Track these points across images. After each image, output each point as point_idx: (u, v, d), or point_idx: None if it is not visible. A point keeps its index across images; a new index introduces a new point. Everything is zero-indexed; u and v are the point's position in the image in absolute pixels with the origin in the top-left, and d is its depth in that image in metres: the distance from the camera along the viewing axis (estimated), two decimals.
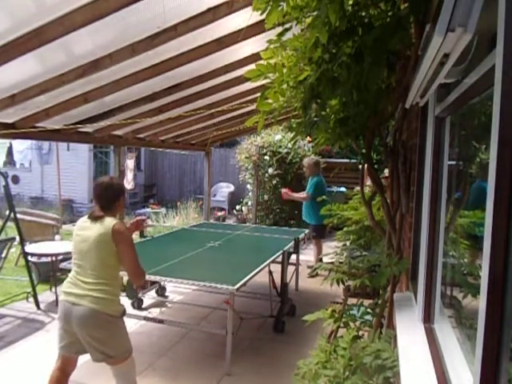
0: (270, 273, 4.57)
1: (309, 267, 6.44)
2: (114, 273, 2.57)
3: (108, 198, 2.62)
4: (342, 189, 9.11)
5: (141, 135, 6.16)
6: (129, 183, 8.74)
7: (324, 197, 5.88)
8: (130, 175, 8.62)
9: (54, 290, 5.09)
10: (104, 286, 2.49)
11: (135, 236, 7.89)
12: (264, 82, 2.17)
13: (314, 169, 6.63)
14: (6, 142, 11.06)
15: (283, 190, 6.87)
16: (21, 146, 12.02)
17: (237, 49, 3.64)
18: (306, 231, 6.11)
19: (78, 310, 2.45)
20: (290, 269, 5.08)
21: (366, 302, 2.64)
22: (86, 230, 2.56)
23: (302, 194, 6.64)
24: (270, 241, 5.62)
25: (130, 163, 8.44)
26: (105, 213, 2.57)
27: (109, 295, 2.50)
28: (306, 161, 6.87)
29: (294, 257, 5.30)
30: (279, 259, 4.57)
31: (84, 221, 2.64)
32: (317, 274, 6.06)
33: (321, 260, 6.38)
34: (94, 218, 2.56)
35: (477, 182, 1.46)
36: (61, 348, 2.61)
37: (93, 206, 2.73)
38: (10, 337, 4.12)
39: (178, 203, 10.30)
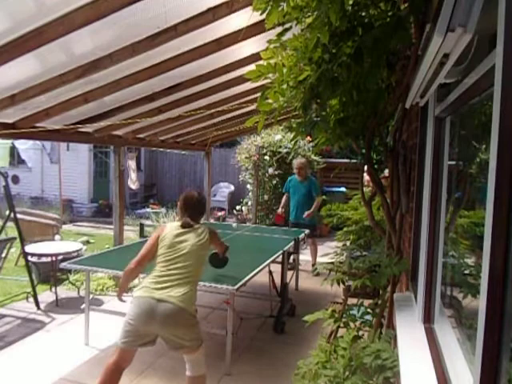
0: (270, 273, 4.57)
1: (313, 265, 6.49)
2: (199, 274, 2.85)
3: (201, 209, 3.04)
4: (342, 189, 9.12)
5: (141, 135, 6.16)
6: (133, 183, 8.73)
7: (324, 197, 5.92)
8: (133, 175, 8.61)
9: (53, 289, 5.09)
10: (191, 284, 2.70)
11: (135, 236, 7.90)
12: (264, 82, 2.17)
13: (308, 169, 6.71)
14: (8, 142, 11.06)
15: (277, 215, 6.84)
16: (23, 146, 12.02)
17: (237, 49, 3.64)
18: (307, 231, 6.10)
19: (165, 306, 2.56)
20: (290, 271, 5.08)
21: (366, 302, 2.64)
22: (183, 234, 2.82)
23: (315, 204, 6.45)
24: (269, 241, 5.61)
25: (132, 163, 8.43)
26: (195, 222, 2.92)
27: (193, 293, 2.71)
28: (300, 162, 6.75)
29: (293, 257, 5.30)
30: (279, 259, 4.57)
31: (176, 225, 2.91)
32: (318, 274, 6.19)
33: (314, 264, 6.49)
34: (188, 226, 2.87)
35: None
36: (124, 343, 2.65)
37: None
38: (10, 337, 4.12)
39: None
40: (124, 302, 3.05)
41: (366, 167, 2.67)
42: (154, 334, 2.67)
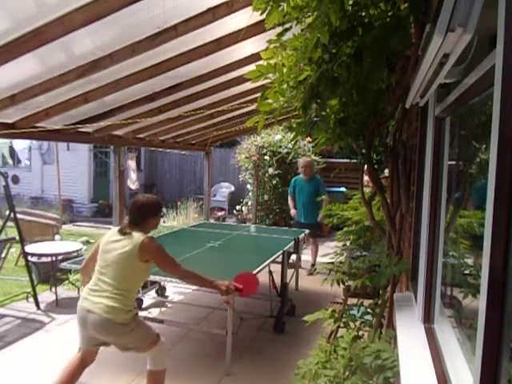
0: (270, 273, 4.57)
1: (312, 265, 6.54)
2: (131, 286, 2.68)
3: (140, 216, 2.74)
4: (342, 189, 9.12)
5: (141, 135, 6.16)
6: (133, 183, 8.74)
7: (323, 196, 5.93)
8: (133, 175, 8.62)
9: (53, 290, 5.09)
10: (118, 296, 2.58)
11: None
12: (264, 82, 2.17)
13: (314, 167, 6.69)
14: (7, 141, 11.06)
15: (321, 216, 6.60)
16: (20, 146, 12.02)
17: (237, 49, 3.64)
18: (307, 231, 6.09)
19: (92, 317, 2.54)
20: (290, 269, 5.08)
21: (366, 302, 2.64)
22: (114, 242, 2.67)
23: (325, 201, 6.19)
24: (269, 241, 5.62)
25: (132, 163, 8.44)
26: (133, 229, 2.68)
27: (121, 305, 2.57)
28: (306, 160, 6.72)
29: (293, 257, 5.31)
30: (279, 259, 4.57)
31: (114, 232, 2.75)
32: (313, 273, 6.20)
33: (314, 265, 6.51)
34: (123, 233, 2.68)
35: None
36: (81, 343, 2.72)
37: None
38: (10, 337, 4.12)
39: (178, 203, 10.30)
40: None
41: (365, 167, 2.67)
42: (98, 338, 2.66)
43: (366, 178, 3.29)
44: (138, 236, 2.62)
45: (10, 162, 12.36)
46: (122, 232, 2.69)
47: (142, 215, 2.74)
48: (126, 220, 2.81)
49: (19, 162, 12.92)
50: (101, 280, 2.63)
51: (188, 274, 2.78)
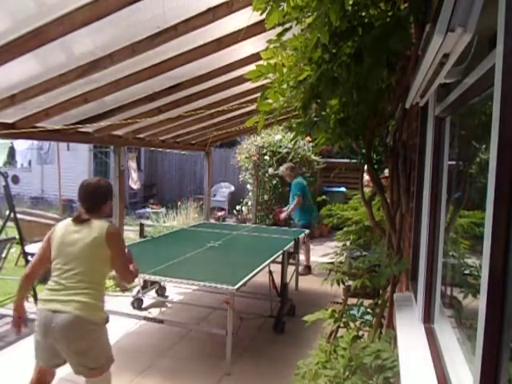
0: (270, 273, 4.57)
1: (308, 267, 6.64)
2: (101, 278, 2.50)
3: (96, 200, 2.55)
4: (342, 189, 9.12)
5: (141, 135, 6.16)
6: (135, 183, 8.74)
7: (324, 197, 6.00)
8: (134, 175, 8.63)
9: None
10: (90, 290, 2.39)
11: (135, 236, 7.91)
12: (264, 82, 2.17)
13: (292, 173, 6.88)
14: (7, 142, 11.06)
15: (277, 211, 7.26)
16: (21, 147, 12.02)
17: (237, 49, 3.64)
18: (307, 231, 6.11)
19: (60, 317, 2.31)
20: (290, 269, 5.08)
21: (366, 302, 2.64)
22: (74, 233, 2.45)
23: (294, 203, 6.68)
24: (269, 241, 5.62)
25: (133, 163, 8.44)
26: (91, 215, 2.49)
27: (94, 300, 2.40)
28: (281, 170, 7.10)
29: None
30: (279, 259, 4.58)
31: (67, 224, 2.52)
32: (305, 274, 6.31)
33: (309, 267, 6.67)
34: (81, 222, 2.47)
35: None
36: (37, 359, 2.47)
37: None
38: (10, 337, 4.12)
39: (178, 203, 10.30)
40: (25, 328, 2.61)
41: (366, 167, 2.67)
42: (59, 352, 2.39)
43: (366, 177, 3.30)
44: (100, 223, 2.45)
45: (6, 160, 12.35)
46: (79, 221, 2.47)
47: (98, 199, 2.55)
48: (80, 208, 2.56)
49: (15, 163, 12.92)
50: (65, 277, 2.38)
51: (131, 274, 2.61)
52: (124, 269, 2.56)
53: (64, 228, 2.50)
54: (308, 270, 6.64)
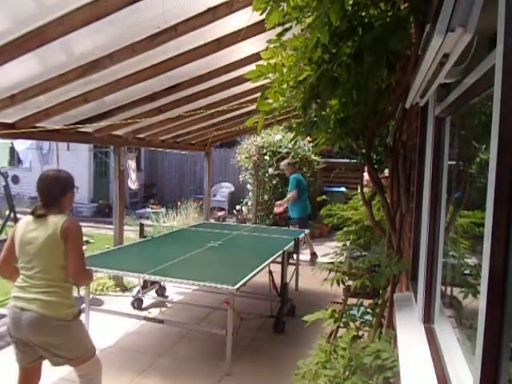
0: (270, 273, 4.57)
1: (313, 254, 7.14)
2: (63, 275, 2.41)
3: (53, 193, 2.44)
4: (342, 189, 9.11)
5: (141, 135, 6.16)
6: (133, 183, 8.74)
7: (324, 196, 6.09)
8: (133, 175, 8.62)
9: None
10: (54, 289, 2.36)
11: (135, 236, 7.92)
12: (264, 82, 2.17)
13: (290, 168, 7.28)
14: (8, 142, 11.07)
15: (277, 203, 7.52)
16: (21, 147, 12.02)
17: (237, 49, 3.64)
18: (307, 231, 6.12)
19: (27, 315, 2.31)
20: (290, 269, 5.08)
21: (366, 302, 2.64)
22: (32, 231, 2.39)
23: (288, 196, 7.13)
24: (269, 241, 5.62)
25: (132, 163, 8.43)
26: (49, 210, 2.41)
27: (59, 298, 2.37)
28: (282, 164, 7.53)
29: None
30: (279, 259, 4.58)
31: (27, 221, 2.45)
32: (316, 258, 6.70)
33: (314, 254, 7.12)
34: (38, 217, 2.40)
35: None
36: (17, 361, 2.49)
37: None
38: None
39: (178, 203, 10.30)
40: None
41: (366, 167, 2.68)
42: (33, 347, 2.40)
43: (366, 177, 3.30)
44: (57, 219, 2.36)
45: (7, 160, 12.36)
46: (35, 215, 2.40)
47: (58, 191, 2.44)
48: (38, 202, 2.48)
49: (20, 162, 12.92)
50: (29, 276, 2.36)
51: (84, 274, 2.50)
52: (77, 266, 2.38)
53: (24, 226, 2.44)
54: (315, 256, 7.12)
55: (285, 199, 7.21)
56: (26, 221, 2.46)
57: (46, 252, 2.35)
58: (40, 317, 2.31)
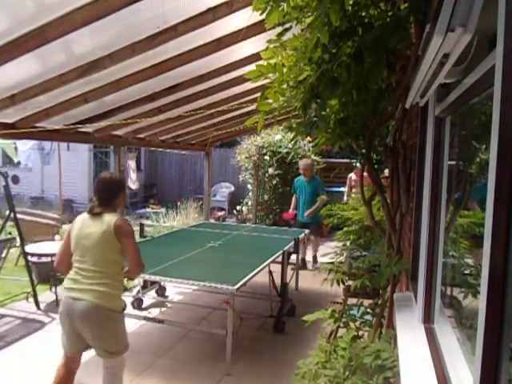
0: (270, 273, 4.57)
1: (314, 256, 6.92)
2: (116, 269, 2.65)
3: (108, 193, 2.71)
4: (342, 189, 9.11)
5: (141, 135, 6.16)
6: (133, 183, 8.75)
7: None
8: (133, 175, 8.64)
9: (53, 290, 5.08)
10: (106, 280, 2.55)
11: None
12: (264, 82, 2.17)
13: (313, 169, 6.96)
14: (11, 142, 11.06)
15: (284, 214, 7.22)
16: (24, 147, 12.01)
17: (237, 49, 3.64)
18: (307, 231, 6.11)
19: (80, 304, 2.50)
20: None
21: (366, 302, 2.64)
22: (89, 227, 2.62)
23: (319, 202, 6.51)
24: (269, 241, 5.62)
25: (132, 163, 8.45)
26: (104, 208, 2.65)
27: (110, 289, 2.56)
28: (304, 162, 6.82)
29: (293, 256, 5.31)
30: (279, 259, 4.58)
31: (84, 218, 2.70)
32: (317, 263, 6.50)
33: (315, 257, 6.89)
34: (94, 215, 2.64)
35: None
36: (64, 347, 2.68)
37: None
38: (10, 337, 4.12)
39: (178, 203, 10.30)
40: None
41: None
42: (82, 337, 2.59)
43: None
44: (110, 217, 2.60)
45: (16, 160, 12.33)
46: (92, 213, 2.64)
47: (112, 192, 2.72)
48: (95, 201, 2.74)
49: (19, 162, 12.90)
50: (82, 268, 2.57)
51: (143, 265, 2.70)
52: (135, 260, 2.64)
53: (81, 222, 2.69)
54: (314, 259, 6.93)
55: (314, 206, 6.55)
56: (83, 217, 2.72)
57: (99, 246, 2.57)
58: (94, 306, 2.49)
